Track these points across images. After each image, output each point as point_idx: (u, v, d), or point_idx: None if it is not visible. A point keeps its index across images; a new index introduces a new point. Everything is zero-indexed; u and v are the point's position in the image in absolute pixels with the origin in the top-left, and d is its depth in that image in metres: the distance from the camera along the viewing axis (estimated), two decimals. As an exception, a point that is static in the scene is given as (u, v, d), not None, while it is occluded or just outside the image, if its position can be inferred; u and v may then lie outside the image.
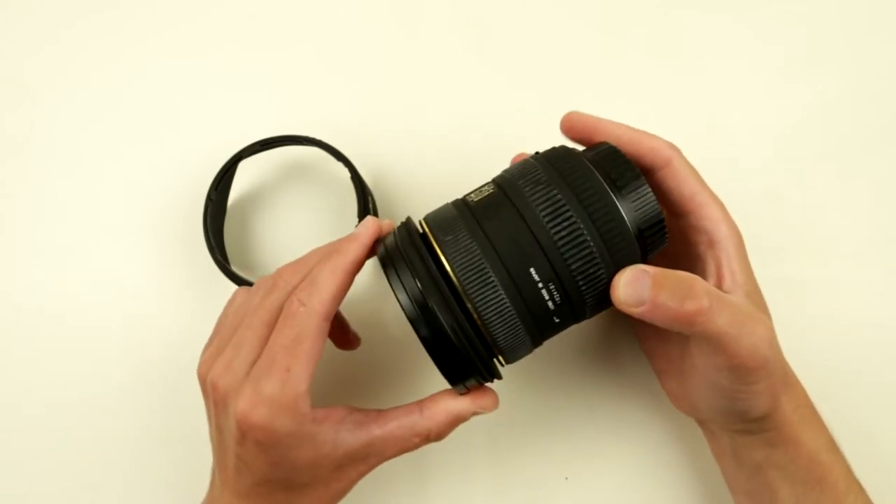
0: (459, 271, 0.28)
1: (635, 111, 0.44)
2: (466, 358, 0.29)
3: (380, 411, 0.32)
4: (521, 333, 0.29)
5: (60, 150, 0.47)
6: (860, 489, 0.32)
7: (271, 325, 0.31)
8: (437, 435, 0.32)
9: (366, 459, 0.32)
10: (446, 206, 0.31)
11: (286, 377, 0.29)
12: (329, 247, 0.33)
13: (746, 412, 0.31)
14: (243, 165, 0.42)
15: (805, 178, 0.43)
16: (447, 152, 0.44)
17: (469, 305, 0.28)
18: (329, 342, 0.39)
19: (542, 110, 0.45)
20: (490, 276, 0.28)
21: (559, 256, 0.28)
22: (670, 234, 0.34)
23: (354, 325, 0.39)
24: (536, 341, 0.31)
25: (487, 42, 0.46)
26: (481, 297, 0.28)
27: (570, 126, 0.35)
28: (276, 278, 0.33)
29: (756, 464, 0.33)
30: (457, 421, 0.32)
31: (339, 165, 0.40)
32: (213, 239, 0.41)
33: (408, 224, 0.32)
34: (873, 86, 0.44)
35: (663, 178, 0.33)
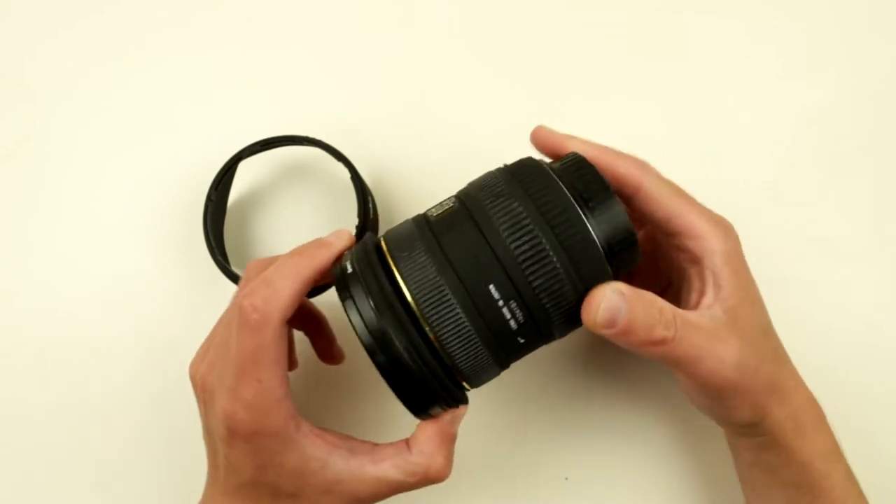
0: (414, 289, 0.27)
1: (635, 111, 0.45)
2: (426, 385, 0.27)
3: (374, 444, 0.31)
4: (482, 356, 0.28)
5: (60, 150, 0.47)
6: (859, 495, 0.32)
7: None
8: (436, 472, 0.30)
9: (357, 497, 0.30)
10: (406, 221, 0.30)
11: (259, 387, 0.29)
12: (296, 249, 0.32)
13: (732, 421, 0.32)
14: (243, 165, 0.42)
15: (805, 177, 0.43)
16: (447, 152, 0.44)
17: (426, 327, 0.27)
18: (314, 357, 0.39)
19: (542, 110, 0.45)
20: (446, 295, 0.27)
21: (520, 272, 0.27)
22: (659, 250, 0.34)
23: (340, 342, 0.39)
24: (502, 363, 0.29)
25: (487, 42, 0.46)
26: (437, 316, 0.27)
27: (537, 140, 0.33)
28: (246, 274, 0.33)
29: (752, 461, 0.34)
30: (445, 437, 0.31)
31: (339, 165, 0.40)
32: (213, 239, 0.41)
33: (365, 242, 0.30)
34: (874, 86, 0.44)
35: (637, 204, 0.32)
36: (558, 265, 0.27)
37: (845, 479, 0.32)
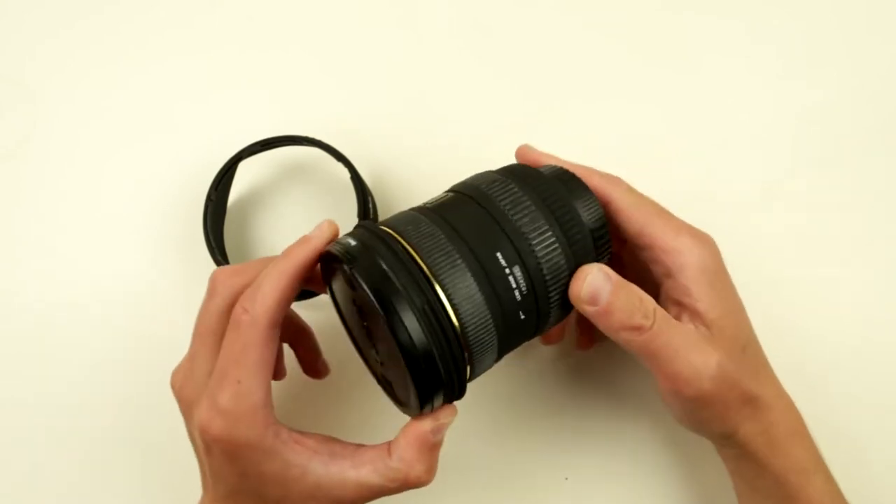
0: (426, 255, 0.27)
1: (635, 111, 0.45)
2: (437, 354, 0.27)
3: (357, 447, 0.31)
4: (490, 328, 0.28)
5: (60, 150, 0.47)
6: None
7: (217, 333, 0.31)
8: (416, 478, 0.29)
9: (340, 501, 0.30)
10: (401, 212, 0.31)
11: (238, 389, 0.28)
12: (284, 250, 0.32)
13: (705, 432, 0.32)
14: (243, 165, 0.42)
15: (805, 177, 0.43)
16: (447, 152, 0.44)
17: (439, 289, 0.27)
18: (298, 370, 0.39)
19: (542, 110, 0.45)
20: (458, 259, 0.27)
21: (524, 241, 0.28)
22: (640, 267, 0.34)
23: (326, 355, 0.39)
24: (501, 345, 0.29)
25: (488, 42, 0.46)
26: (450, 279, 0.27)
27: (520, 158, 0.35)
28: (212, 282, 0.32)
29: (731, 470, 0.34)
30: (425, 446, 0.29)
31: (339, 165, 0.40)
32: (213, 239, 0.41)
33: (362, 224, 0.30)
34: (874, 86, 0.44)
35: (609, 218, 0.32)
36: (556, 238, 0.29)
37: (823, 493, 0.32)
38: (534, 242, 0.28)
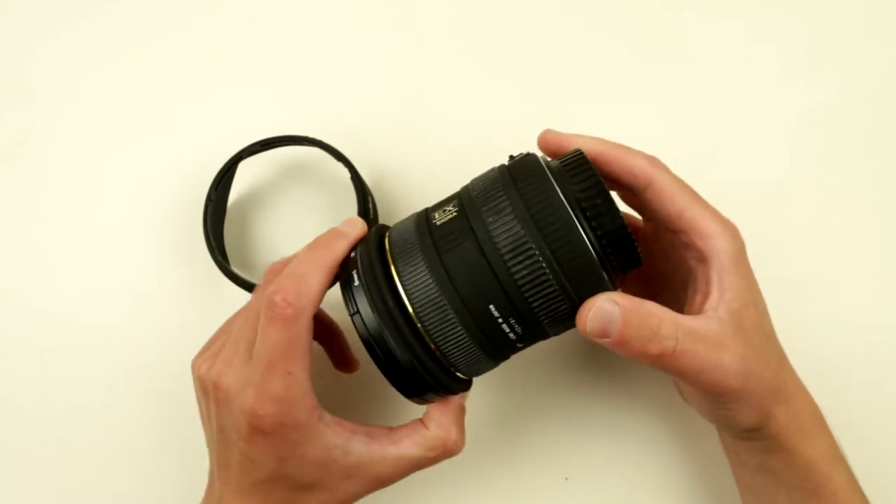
0: (418, 306, 0.28)
1: (635, 111, 0.45)
2: (427, 386, 0.30)
3: (390, 428, 0.32)
4: (482, 359, 0.30)
5: (60, 150, 0.47)
6: (862, 500, 0.32)
7: None
8: (454, 443, 0.32)
9: (378, 478, 0.31)
10: (409, 222, 0.31)
11: (289, 379, 0.29)
12: (314, 242, 0.33)
13: (734, 425, 0.32)
14: (243, 165, 0.42)
15: (805, 177, 0.43)
16: (447, 152, 0.44)
17: (428, 341, 0.29)
18: (328, 363, 0.39)
19: (542, 110, 0.45)
20: (449, 314, 0.28)
21: (520, 295, 0.27)
22: (665, 248, 0.34)
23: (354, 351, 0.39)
24: (500, 361, 0.31)
25: (488, 42, 0.46)
26: (441, 333, 0.28)
27: (545, 145, 0.33)
28: (267, 275, 0.34)
29: (755, 466, 0.34)
30: (457, 412, 0.32)
31: (339, 165, 0.40)
32: (213, 239, 0.41)
33: (369, 249, 0.30)
34: (874, 86, 0.44)
35: (647, 199, 0.32)
36: (557, 288, 0.27)
37: (848, 481, 0.32)
38: (529, 295, 0.27)
